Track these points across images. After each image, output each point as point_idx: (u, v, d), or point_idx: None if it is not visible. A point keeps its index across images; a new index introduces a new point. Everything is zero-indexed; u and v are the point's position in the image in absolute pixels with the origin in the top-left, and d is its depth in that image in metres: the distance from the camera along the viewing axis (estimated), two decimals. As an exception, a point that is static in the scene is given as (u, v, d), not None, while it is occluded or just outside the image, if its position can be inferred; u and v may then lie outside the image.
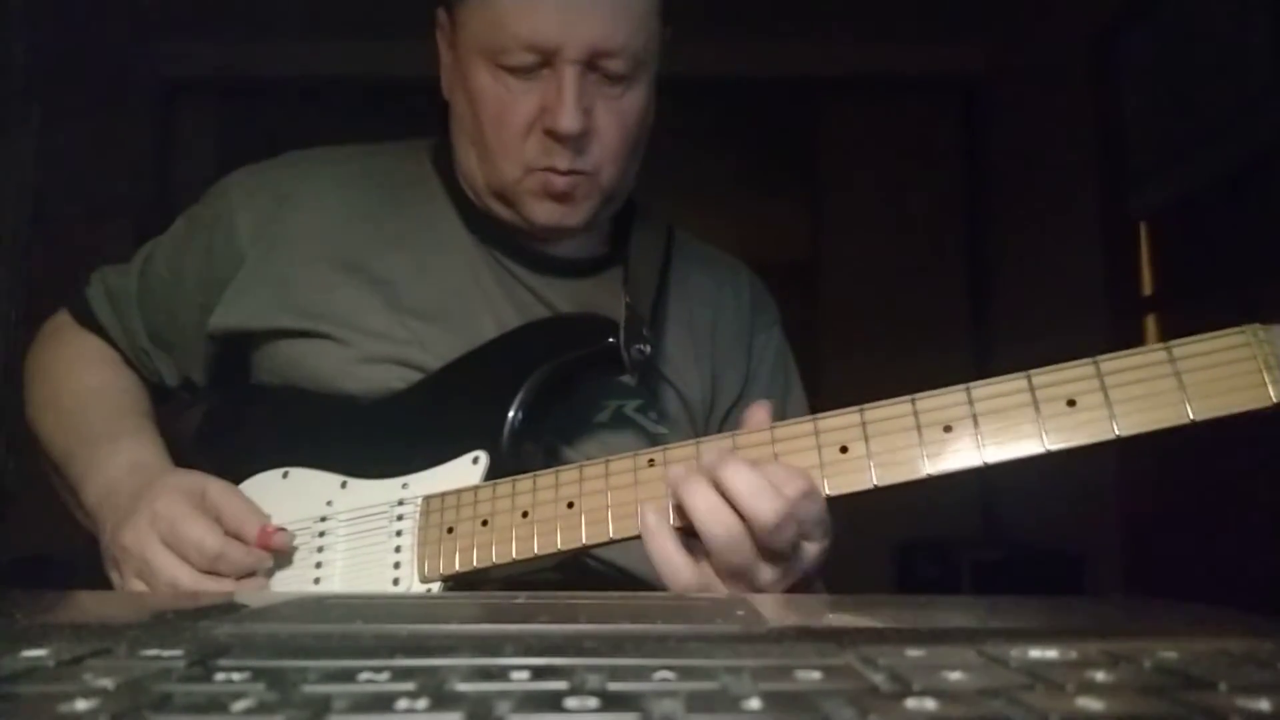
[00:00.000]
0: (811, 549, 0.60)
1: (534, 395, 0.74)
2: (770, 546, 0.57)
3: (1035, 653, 0.28)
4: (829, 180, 3.48)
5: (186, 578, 0.68)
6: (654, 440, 0.80)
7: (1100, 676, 0.25)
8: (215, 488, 0.73)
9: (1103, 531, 2.49)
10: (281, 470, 0.78)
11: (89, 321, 0.91)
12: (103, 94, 2.93)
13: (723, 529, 0.57)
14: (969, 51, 3.29)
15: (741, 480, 0.56)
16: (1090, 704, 0.22)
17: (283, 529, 0.72)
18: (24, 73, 2.08)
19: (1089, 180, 2.64)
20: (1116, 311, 2.47)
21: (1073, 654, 0.28)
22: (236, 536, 0.71)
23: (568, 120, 0.74)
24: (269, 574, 0.73)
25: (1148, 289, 2.47)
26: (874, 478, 0.58)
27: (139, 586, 0.70)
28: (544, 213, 0.79)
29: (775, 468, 0.58)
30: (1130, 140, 2.50)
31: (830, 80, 3.36)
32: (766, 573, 0.59)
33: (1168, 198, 2.38)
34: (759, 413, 0.65)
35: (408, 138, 0.94)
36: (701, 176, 3.67)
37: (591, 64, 0.74)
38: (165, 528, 0.69)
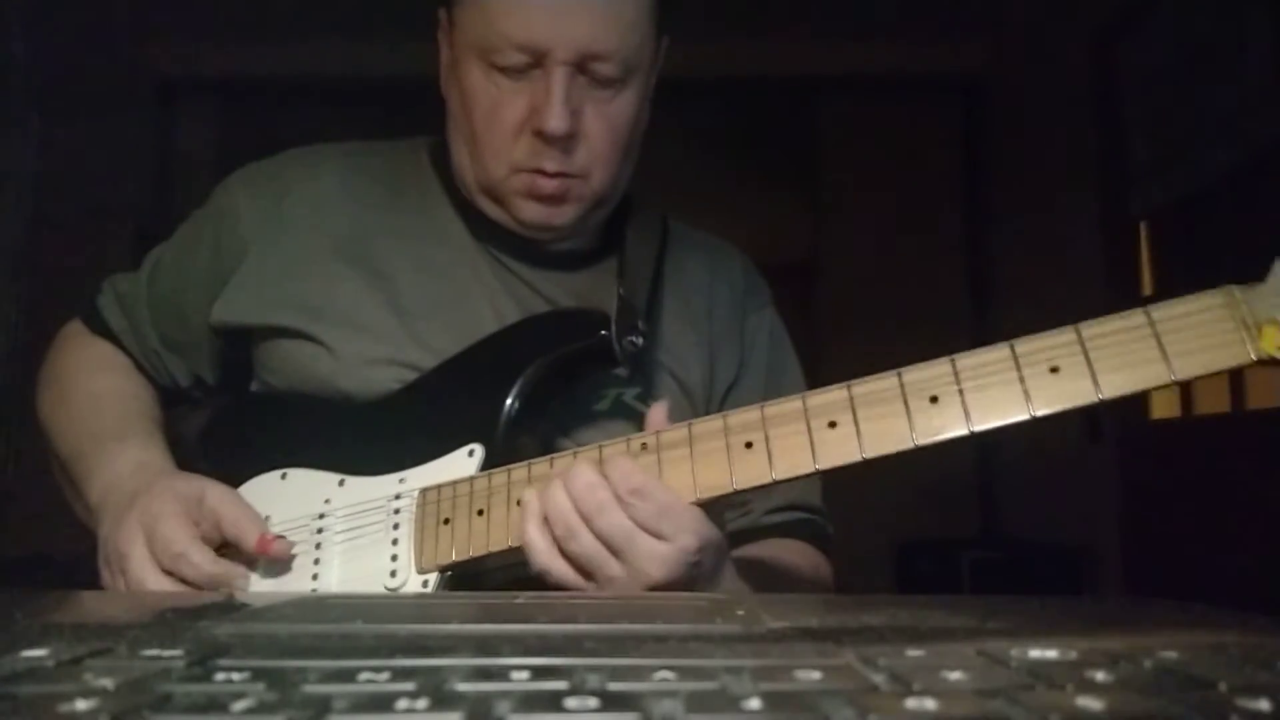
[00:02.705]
0: (660, 547, 0.62)
1: (529, 389, 0.75)
2: (602, 535, 0.62)
3: (1035, 653, 0.28)
4: (829, 180, 3.48)
5: (151, 577, 0.68)
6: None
7: (1100, 676, 0.25)
8: (214, 493, 0.73)
9: (1103, 531, 2.49)
10: (280, 471, 0.78)
11: (100, 328, 0.92)
12: (103, 94, 2.93)
13: (560, 522, 0.63)
14: (969, 51, 3.29)
15: (576, 478, 0.63)
16: (1090, 704, 0.22)
17: (281, 536, 0.72)
18: (24, 73, 2.08)
19: (1089, 180, 2.64)
20: (1116, 311, 2.47)
21: (1073, 654, 0.28)
22: (235, 543, 0.71)
23: (555, 121, 0.74)
24: (269, 573, 0.73)
25: (1148, 289, 2.47)
26: (862, 450, 0.58)
27: (119, 584, 0.70)
28: (531, 212, 0.80)
29: (615, 464, 0.63)
30: (1130, 140, 2.50)
31: (830, 80, 3.36)
32: (612, 566, 0.63)
33: (1168, 198, 2.38)
34: (656, 412, 0.69)
35: (408, 137, 0.94)
36: (701, 176, 3.68)
37: (582, 66, 0.75)
38: (149, 522, 0.69)
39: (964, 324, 3.25)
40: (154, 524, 0.69)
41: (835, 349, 3.06)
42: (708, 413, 0.87)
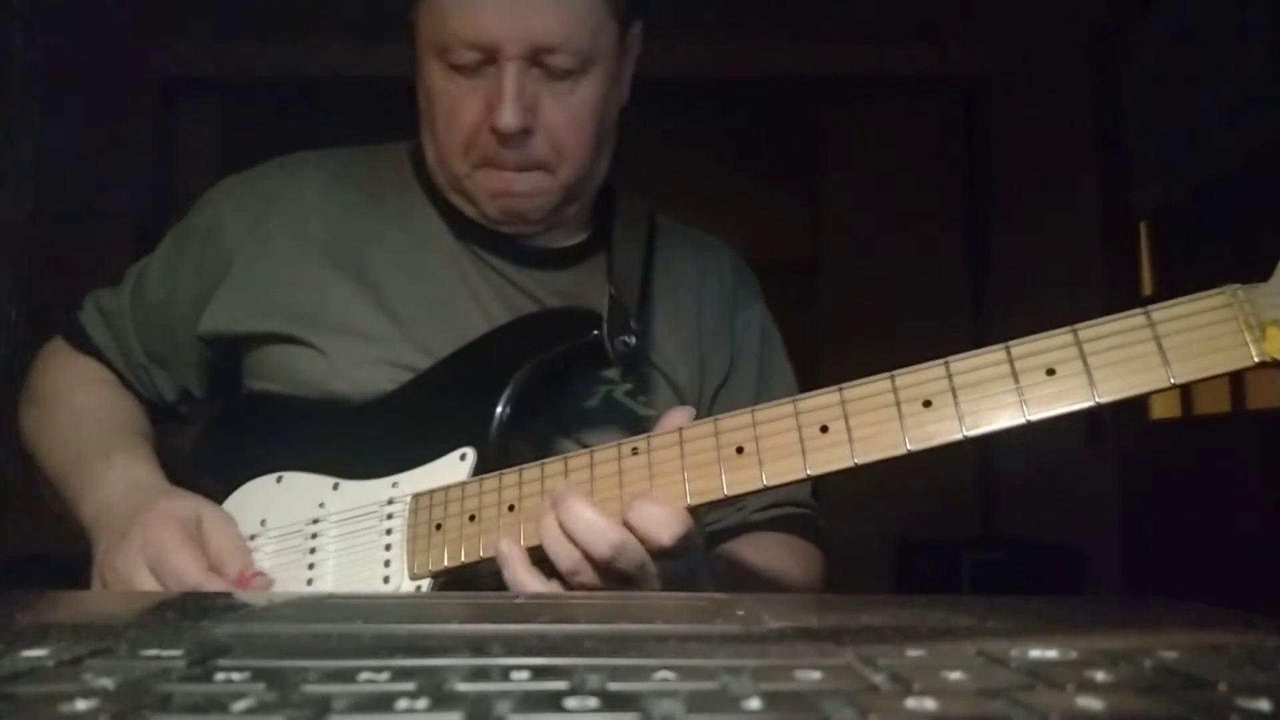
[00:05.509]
0: (661, 568, 0.62)
1: (520, 391, 0.74)
2: (611, 572, 0.61)
3: (1035, 653, 0.28)
4: (829, 180, 3.48)
5: None
6: (643, 424, 0.80)
7: (1100, 676, 0.25)
8: (209, 516, 0.73)
9: (1103, 531, 2.49)
10: (275, 475, 0.78)
11: (84, 344, 0.92)
12: (102, 94, 2.93)
13: (566, 559, 0.62)
14: (969, 51, 3.29)
15: (577, 520, 0.61)
16: (1090, 704, 0.22)
17: (262, 573, 0.72)
18: (24, 73, 2.08)
19: (1089, 180, 2.64)
20: (1116, 311, 2.47)
21: (1073, 654, 0.28)
22: (216, 572, 0.70)
23: (506, 117, 0.74)
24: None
25: (1147, 289, 2.47)
26: (854, 455, 0.57)
27: None
28: (497, 208, 0.80)
29: (643, 512, 0.61)
30: (1130, 140, 2.51)
31: (830, 80, 3.36)
32: (600, 583, 0.62)
33: (1168, 198, 2.38)
34: (675, 416, 0.66)
35: (406, 138, 0.94)
36: (701, 177, 3.68)
37: (535, 60, 0.74)
38: (153, 555, 0.69)
39: (964, 324, 3.25)
40: (160, 555, 0.68)
41: (835, 349, 3.07)
42: (699, 410, 0.88)
